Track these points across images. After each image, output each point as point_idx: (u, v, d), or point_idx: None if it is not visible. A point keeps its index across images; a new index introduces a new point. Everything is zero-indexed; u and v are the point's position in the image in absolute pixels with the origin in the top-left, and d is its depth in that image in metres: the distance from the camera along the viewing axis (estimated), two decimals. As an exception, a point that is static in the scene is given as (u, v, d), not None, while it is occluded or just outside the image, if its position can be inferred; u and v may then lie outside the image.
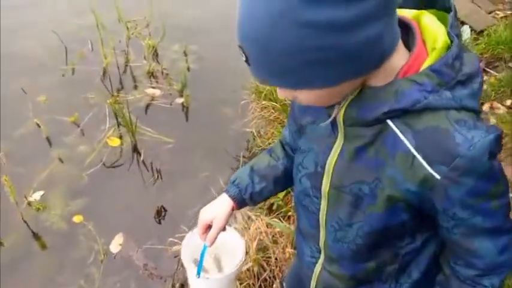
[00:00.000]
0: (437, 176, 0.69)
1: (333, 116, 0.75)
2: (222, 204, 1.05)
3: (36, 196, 2.41)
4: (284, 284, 1.44)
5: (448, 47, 0.69)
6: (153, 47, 3.49)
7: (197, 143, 2.75)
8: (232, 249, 1.14)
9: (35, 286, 2.07)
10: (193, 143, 2.76)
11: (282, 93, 0.74)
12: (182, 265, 2.05)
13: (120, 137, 2.78)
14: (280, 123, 2.49)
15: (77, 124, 2.87)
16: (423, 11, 0.74)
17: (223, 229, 1.06)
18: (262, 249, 1.88)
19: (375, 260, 0.87)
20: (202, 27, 3.77)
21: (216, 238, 1.05)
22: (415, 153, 0.69)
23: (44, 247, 2.24)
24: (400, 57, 0.69)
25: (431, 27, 0.71)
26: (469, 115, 0.68)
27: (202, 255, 1.06)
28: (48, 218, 2.34)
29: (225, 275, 1.08)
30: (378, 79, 0.69)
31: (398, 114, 0.69)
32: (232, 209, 1.05)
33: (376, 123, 0.72)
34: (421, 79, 0.67)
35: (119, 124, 2.84)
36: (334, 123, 0.77)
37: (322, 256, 0.95)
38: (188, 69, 3.38)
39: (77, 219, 2.32)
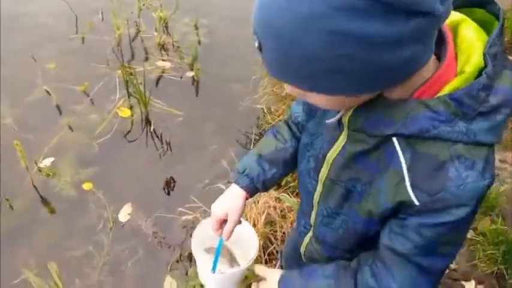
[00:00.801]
0: (416, 202, 0.68)
1: (338, 116, 0.75)
2: (235, 197, 1.00)
3: (47, 162, 2.42)
4: (281, 254, 1.47)
5: (480, 72, 0.63)
6: (164, 19, 3.46)
7: (207, 117, 2.74)
8: (245, 242, 1.10)
9: (44, 250, 2.09)
10: (203, 117, 2.75)
11: (291, 91, 0.69)
12: (191, 235, 2.07)
13: (131, 108, 2.78)
14: (292, 100, 2.47)
15: (87, 93, 2.86)
16: (465, 18, 0.67)
17: (239, 222, 1.02)
18: (269, 223, 1.89)
19: (351, 254, 0.89)
20: (214, 1, 3.73)
21: (232, 232, 1.00)
22: (406, 174, 0.68)
23: (53, 212, 2.26)
24: (424, 70, 0.63)
25: (468, 43, 0.65)
26: (477, 151, 0.64)
27: (218, 250, 1.02)
28: (57, 184, 2.35)
29: (240, 269, 1.02)
30: (395, 92, 0.66)
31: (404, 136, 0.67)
32: (246, 199, 1.01)
33: (379, 136, 0.70)
34: (437, 106, 0.62)
35: (129, 95, 2.84)
36: (340, 121, 0.76)
37: (311, 232, 1.00)
38: (199, 42, 3.35)
39: (87, 186, 2.33)
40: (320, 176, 0.87)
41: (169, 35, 3.39)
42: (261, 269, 1.00)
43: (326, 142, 0.84)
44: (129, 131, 2.65)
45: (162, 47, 3.29)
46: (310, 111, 0.93)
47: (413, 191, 0.68)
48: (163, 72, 3.08)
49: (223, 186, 2.07)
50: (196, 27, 3.49)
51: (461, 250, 1.68)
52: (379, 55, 0.55)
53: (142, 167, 2.47)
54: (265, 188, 1.05)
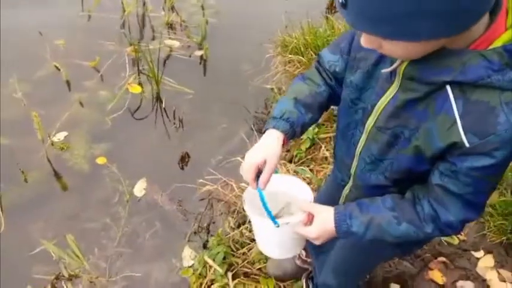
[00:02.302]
0: (467, 144, 0.74)
1: (395, 66, 0.79)
2: (272, 142, 0.97)
3: (60, 136, 2.41)
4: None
5: None
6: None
7: (216, 96, 2.75)
8: (294, 191, 1.10)
9: (61, 222, 2.10)
10: (213, 96, 2.76)
11: (368, 42, 0.75)
12: (208, 207, 2.10)
13: (140, 85, 2.77)
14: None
15: (97, 69, 2.85)
16: None
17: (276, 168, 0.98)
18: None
19: (393, 190, 0.97)
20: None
21: (269, 180, 0.97)
22: (458, 119, 0.74)
23: (68, 186, 2.26)
24: (479, 25, 0.68)
25: None
26: None
27: (264, 203, 0.95)
28: (71, 158, 2.36)
29: (302, 216, 0.99)
30: (455, 44, 0.71)
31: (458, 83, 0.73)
32: (283, 145, 0.99)
33: (434, 84, 0.75)
34: (492, 56, 0.68)
35: (139, 72, 2.83)
36: (393, 71, 0.81)
37: (350, 182, 1.07)
38: (206, 22, 3.34)
39: (100, 161, 2.34)
40: (366, 125, 0.92)
41: (177, 14, 3.37)
42: (308, 206, 1.01)
43: (375, 94, 0.89)
44: (141, 108, 2.65)
45: (170, 26, 3.28)
46: (352, 65, 0.96)
47: (465, 134, 0.74)
48: (171, 51, 3.07)
49: (241, 160, 2.09)
50: (203, 8, 3.48)
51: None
52: None
53: (155, 143, 2.48)
54: (302, 133, 1.06)
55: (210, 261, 1.78)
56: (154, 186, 2.24)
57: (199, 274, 1.83)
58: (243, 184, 1.95)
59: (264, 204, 0.97)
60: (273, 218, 0.98)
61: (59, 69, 2.80)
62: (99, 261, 1.95)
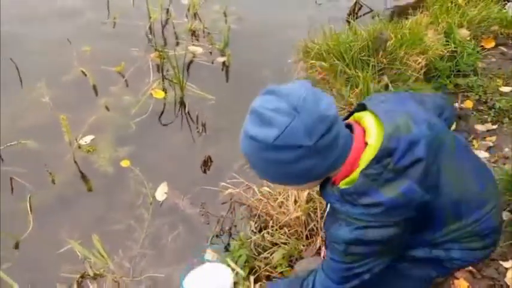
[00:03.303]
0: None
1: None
2: None
3: (86, 139, 2.48)
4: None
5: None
6: (194, 6, 3.50)
7: (239, 102, 2.75)
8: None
9: (86, 222, 2.14)
10: (235, 101, 2.77)
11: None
12: (230, 210, 2.12)
13: (164, 90, 2.83)
14: (327, 84, 2.51)
15: (122, 74, 2.91)
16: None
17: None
18: (309, 200, 1.93)
19: None
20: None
21: None
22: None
23: (93, 187, 2.32)
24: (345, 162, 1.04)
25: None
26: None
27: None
28: (97, 160, 2.41)
29: None
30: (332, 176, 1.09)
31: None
32: None
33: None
34: (334, 192, 1.08)
35: (163, 78, 2.88)
36: None
37: None
38: (229, 29, 3.38)
39: (125, 163, 2.39)
40: None
41: (200, 21, 3.43)
42: None
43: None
44: (164, 113, 2.70)
45: (193, 33, 3.34)
46: None
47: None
48: (194, 57, 3.12)
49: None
50: (225, 15, 3.53)
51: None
52: (291, 168, 0.98)
53: (178, 147, 2.52)
54: None
55: (233, 264, 1.80)
56: (176, 190, 2.27)
57: (221, 277, 1.84)
58: (265, 188, 1.97)
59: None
60: None
61: (86, 75, 2.87)
62: (123, 261, 1.98)
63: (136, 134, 2.56)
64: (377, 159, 0.99)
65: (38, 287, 1.88)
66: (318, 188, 1.19)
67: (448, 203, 1.11)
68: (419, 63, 2.46)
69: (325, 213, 1.23)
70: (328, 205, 1.18)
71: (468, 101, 2.50)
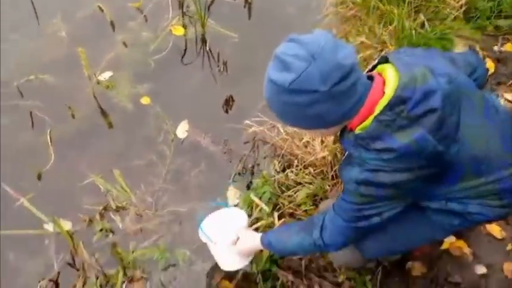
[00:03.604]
0: None
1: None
2: None
3: (105, 75, 2.41)
4: None
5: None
6: None
7: (261, 41, 2.66)
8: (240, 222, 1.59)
9: (106, 157, 2.13)
10: (257, 40, 2.67)
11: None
12: (253, 149, 2.08)
13: (184, 27, 2.71)
14: (358, 21, 2.38)
15: (141, 10, 2.80)
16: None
17: None
18: (337, 141, 1.87)
19: None
20: None
21: None
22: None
23: (113, 123, 2.28)
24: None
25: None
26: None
27: (201, 228, 1.59)
28: (116, 96, 2.36)
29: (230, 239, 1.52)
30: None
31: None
32: None
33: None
34: (349, 137, 1.11)
35: (183, 14, 2.77)
36: None
37: None
38: (251, -34, 3.20)
39: (145, 100, 2.34)
40: None
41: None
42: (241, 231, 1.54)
43: None
44: (185, 50, 2.61)
45: (214, -31, 3.16)
46: None
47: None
48: (215, -7, 2.96)
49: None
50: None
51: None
52: (303, 111, 1.02)
53: (199, 85, 2.45)
54: None
55: (257, 200, 1.78)
56: (197, 128, 2.23)
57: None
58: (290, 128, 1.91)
59: (201, 229, 1.58)
60: (211, 239, 1.54)
61: (102, 10, 2.76)
62: (146, 195, 1.98)
63: (155, 72, 2.48)
64: (390, 107, 1.00)
65: (61, 217, 1.88)
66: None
67: (467, 158, 1.10)
68: (458, 1, 2.30)
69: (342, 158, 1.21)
70: (347, 153, 1.17)
71: (509, 44, 2.35)
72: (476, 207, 1.19)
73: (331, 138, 1.81)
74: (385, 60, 1.12)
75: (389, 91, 1.02)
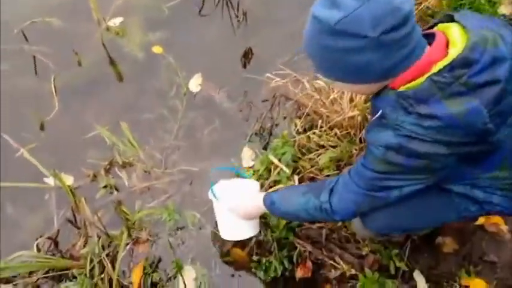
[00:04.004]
0: None
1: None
2: None
3: (115, 21, 2.22)
4: None
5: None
6: None
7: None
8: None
9: (114, 109, 1.98)
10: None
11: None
12: (273, 107, 1.90)
13: (201, -28, 2.48)
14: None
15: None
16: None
17: None
18: (368, 100, 1.67)
19: None
20: None
21: None
22: None
23: (123, 73, 2.11)
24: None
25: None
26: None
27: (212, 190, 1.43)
28: (127, 44, 2.19)
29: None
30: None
31: None
32: None
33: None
34: (389, 95, 0.96)
35: (201, -43, 2.52)
36: None
37: None
38: None
39: (156, 50, 2.15)
40: None
41: None
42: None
43: None
44: (201, -3, 2.39)
45: None
46: None
47: None
48: None
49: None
50: None
51: None
52: (344, 58, 0.90)
53: (215, 36, 2.25)
54: None
55: (276, 161, 1.61)
56: (211, 82, 2.05)
57: (261, 175, 1.67)
58: (318, 82, 1.71)
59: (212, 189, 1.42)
60: (214, 193, 1.40)
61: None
62: (155, 152, 1.83)
63: (169, 19, 2.28)
64: (451, 67, 0.86)
65: (63, 170, 1.75)
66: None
67: (509, 149, 0.97)
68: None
69: (372, 118, 1.03)
70: (379, 113, 0.99)
71: None
72: (498, 198, 1.10)
73: (363, 96, 1.62)
74: (448, 19, 0.98)
75: (455, 51, 0.88)
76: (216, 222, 1.49)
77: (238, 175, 1.61)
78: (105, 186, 1.72)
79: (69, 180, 1.74)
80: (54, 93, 2.00)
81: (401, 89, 0.92)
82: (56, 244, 1.62)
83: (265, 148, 1.82)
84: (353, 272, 1.46)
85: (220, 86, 2.03)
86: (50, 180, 1.72)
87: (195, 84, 2.05)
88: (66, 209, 1.68)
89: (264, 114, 1.89)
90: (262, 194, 1.30)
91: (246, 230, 1.41)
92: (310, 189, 1.18)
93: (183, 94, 2.00)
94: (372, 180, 1.03)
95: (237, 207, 1.35)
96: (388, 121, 0.94)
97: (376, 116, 0.98)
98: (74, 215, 1.67)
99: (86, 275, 1.45)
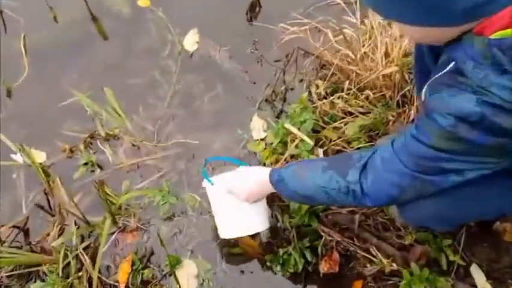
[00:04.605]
0: None
1: None
2: None
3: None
4: None
5: None
6: None
7: None
8: None
9: (96, 72, 1.71)
10: None
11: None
12: (287, 67, 1.59)
13: None
14: None
15: None
16: None
17: None
18: (408, 54, 1.36)
19: None
20: None
21: None
22: None
23: (106, 30, 1.82)
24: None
25: None
26: None
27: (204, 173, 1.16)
28: (109, -2, 1.86)
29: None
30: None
31: None
32: None
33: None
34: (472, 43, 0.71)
35: None
36: None
37: None
38: None
39: (143, 3, 1.85)
40: None
41: None
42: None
43: None
44: None
45: None
46: None
47: None
48: None
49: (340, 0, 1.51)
50: None
51: None
52: None
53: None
54: None
55: (295, 130, 1.31)
56: (210, 39, 1.73)
57: (274, 149, 1.37)
58: (346, 30, 1.39)
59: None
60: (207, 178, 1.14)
61: None
62: (145, 122, 1.55)
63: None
64: None
65: (34, 145, 1.47)
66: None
67: None
68: None
69: (430, 74, 0.79)
70: (448, 68, 0.75)
71: None
72: None
73: (403, 46, 1.30)
74: None
75: None
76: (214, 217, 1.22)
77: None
78: (85, 164, 1.47)
79: (41, 156, 1.49)
80: (24, 55, 1.74)
81: (495, 35, 0.67)
82: (25, 234, 1.36)
83: (278, 117, 1.51)
84: (394, 267, 1.17)
85: (221, 43, 1.71)
86: (18, 157, 1.47)
87: (191, 41, 1.74)
88: (37, 191, 1.44)
89: (276, 75, 1.57)
90: (269, 169, 1.03)
91: (251, 223, 1.15)
92: (332, 164, 0.94)
93: (177, 54, 1.70)
94: (425, 160, 0.79)
95: (237, 188, 1.09)
96: (468, 80, 0.69)
97: (446, 69, 0.72)
98: (48, 199, 1.43)
99: (58, 274, 1.17)
